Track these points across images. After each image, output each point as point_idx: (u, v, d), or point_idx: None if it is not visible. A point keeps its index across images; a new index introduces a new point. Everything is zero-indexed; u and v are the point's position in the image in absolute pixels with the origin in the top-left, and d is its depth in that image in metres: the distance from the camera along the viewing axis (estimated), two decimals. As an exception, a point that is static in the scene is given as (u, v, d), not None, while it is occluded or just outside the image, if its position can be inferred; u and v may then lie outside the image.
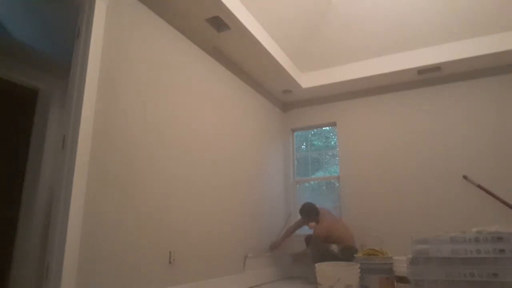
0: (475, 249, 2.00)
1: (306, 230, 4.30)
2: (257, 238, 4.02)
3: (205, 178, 3.27)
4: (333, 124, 4.97)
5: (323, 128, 5.23)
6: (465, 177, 4.00)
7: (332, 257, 3.62)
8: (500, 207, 3.77)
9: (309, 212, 4.10)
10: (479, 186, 3.88)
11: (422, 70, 4.24)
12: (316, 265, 2.93)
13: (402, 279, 2.88)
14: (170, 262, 2.72)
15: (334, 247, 3.78)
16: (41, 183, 3.49)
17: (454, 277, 2.02)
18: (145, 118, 2.68)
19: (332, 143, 5.16)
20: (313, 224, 4.06)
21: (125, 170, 2.45)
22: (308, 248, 4.11)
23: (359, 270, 2.87)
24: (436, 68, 4.16)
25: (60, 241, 2.01)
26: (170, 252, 2.73)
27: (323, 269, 2.88)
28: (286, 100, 5.17)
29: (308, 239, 4.19)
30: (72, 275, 2.00)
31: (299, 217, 4.31)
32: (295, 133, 5.30)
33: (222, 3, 2.94)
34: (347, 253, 3.71)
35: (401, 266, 2.88)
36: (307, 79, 4.71)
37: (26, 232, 3.37)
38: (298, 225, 4.31)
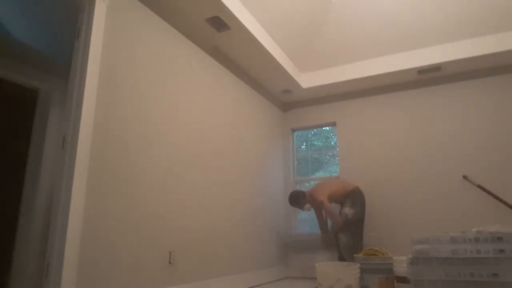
0: (475, 249, 2.00)
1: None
2: (257, 238, 4.02)
3: (204, 178, 3.27)
4: (333, 124, 4.97)
5: (323, 128, 5.23)
6: (465, 177, 4.00)
7: (356, 218, 3.86)
8: (500, 207, 3.77)
9: (297, 198, 4.22)
10: (479, 186, 3.88)
11: (422, 70, 4.24)
12: (316, 265, 2.93)
13: (402, 279, 2.87)
14: (170, 262, 2.72)
15: (347, 211, 3.88)
16: (41, 183, 3.48)
17: (454, 277, 2.02)
18: (145, 118, 2.68)
19: (332, 143, 5.16)
20: (307, 206, 4.18)
21: (125, 170, 2.45)
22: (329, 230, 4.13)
23: (359, 270, 2.87)
24: (436, 68, 4.16)
25: (60, 241, 2.01)
26: (170, 252, 2.73)
27: (323, 269, 2.88)
28: (286, 100, 5.17)
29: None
30: (72, 275, 2.00)
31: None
32: (295, 133, 5.30)
33: (222, 3, 2.94)
34: (357, 200, 3.91)
35: (401, 266, 2.87)
36: (307, 79, 4.71)
37: (26, 232, 3.37)
38: (321, 214, 4.14)
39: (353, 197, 3.95)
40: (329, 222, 4.18)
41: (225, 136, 3.67)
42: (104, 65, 2.39)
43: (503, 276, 1.90)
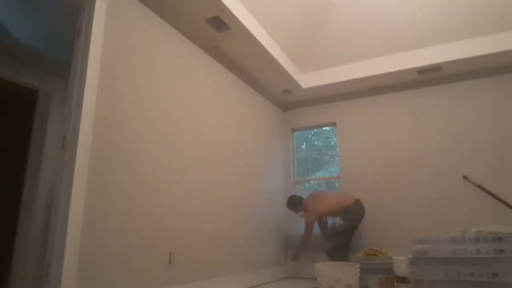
0: (475, 249, 2.00)
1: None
2: (257, 238, 4.02)
3: (205, 178, 3.27)
4: (333, 124, 4.96)
5: (323, 128, 5.23)
6: (465, 177, 4.00)
7: (343, 230, 3.92)
8: (500, 207, 3.76)
9: (293, 203, 4.33)
10: (479, 186, 3.88)
11: (422, 70, 4.23)
12: (316, 265, 2.93)
13: (402, 279, 2.88)
14: (170, 262, 2.72)
15: (337, 220, 3.95)
16: (41, 183, 3.49)
17: (454, 277, 2.02)
18: (145, 118, 2.68)
19: (332, 143, 5.16)
20: (301, 213, 4.27)
21: (125, 170, 2.45)
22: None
23: (359, 270, 2.87)
24: (436, 68, 4.16)
25: (60, 241, 2.01)
26: (170, 252, 2.73)
27: (323, 269, 2.88)
28: (286, 100, 5.17)
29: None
30: (72, 275, 2.00)
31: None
32: (295, 133, 5.30)
33: (222, 3, 2.94)
34: (351, 215, 3.94)
35: (401, 266, 2.88)
36: (307, 79, 4.71)
37: (26, 232, 3.37)
38: (310, 229, 4.16)
39: (348, 211, 3.97)
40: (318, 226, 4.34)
41: (225, 136, 3.67)
42: (104, 65, 2.39)
43: (503, 276, 1.90)
